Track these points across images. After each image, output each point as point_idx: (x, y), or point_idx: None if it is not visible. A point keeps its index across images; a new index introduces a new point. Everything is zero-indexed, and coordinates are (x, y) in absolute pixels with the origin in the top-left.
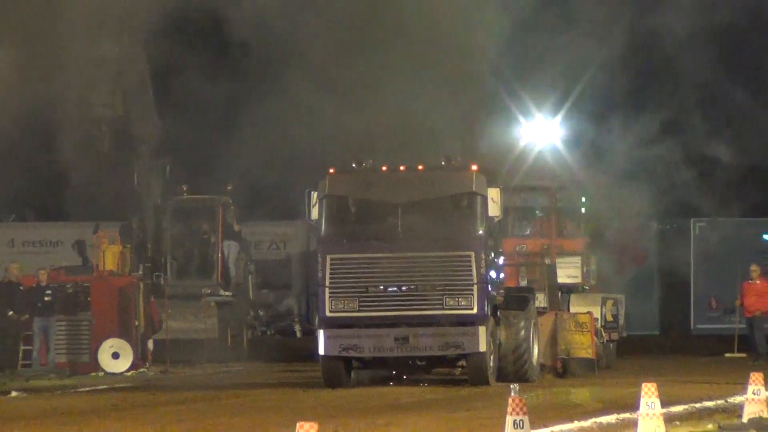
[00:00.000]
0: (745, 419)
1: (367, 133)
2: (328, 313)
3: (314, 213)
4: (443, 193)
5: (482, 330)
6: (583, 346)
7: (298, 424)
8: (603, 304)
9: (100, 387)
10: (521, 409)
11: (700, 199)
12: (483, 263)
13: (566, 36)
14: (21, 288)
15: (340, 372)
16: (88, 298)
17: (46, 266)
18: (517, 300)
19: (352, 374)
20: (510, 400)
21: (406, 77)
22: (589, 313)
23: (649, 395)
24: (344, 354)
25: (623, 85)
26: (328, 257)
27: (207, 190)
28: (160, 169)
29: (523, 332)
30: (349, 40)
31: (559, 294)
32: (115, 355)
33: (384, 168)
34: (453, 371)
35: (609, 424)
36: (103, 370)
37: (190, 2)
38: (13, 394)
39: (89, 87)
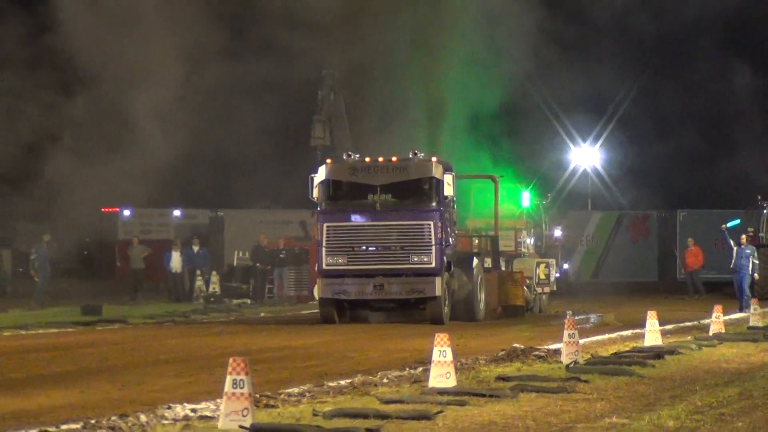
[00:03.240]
0: (710, 333)
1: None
2: (324, 266)
3: (315, 193)
4: (410, 177)
5: (438, 280)
6: (516, 296)
7: (436, 334)
8: (537, 266)
9: (314, 311)
10: (573, 325)
11: (685, 195)
12: (439, 230)
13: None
14: (266, 249)
15: (333, 311)
16: (308, 256)
17: (283, 236)
18: (467, 260)
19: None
20: (566, 320)
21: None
22: (520, 272)
23: (651, 317)
24: (335, 297)
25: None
26: (325, 225)
27: None
28: None
29: (471, 284)
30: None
31: (501, 259)
32: None
33: (367, 159)
34: (419, 312)
35: (626, 336)
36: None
37: None
38: (262, 314)
39: (311, 129)
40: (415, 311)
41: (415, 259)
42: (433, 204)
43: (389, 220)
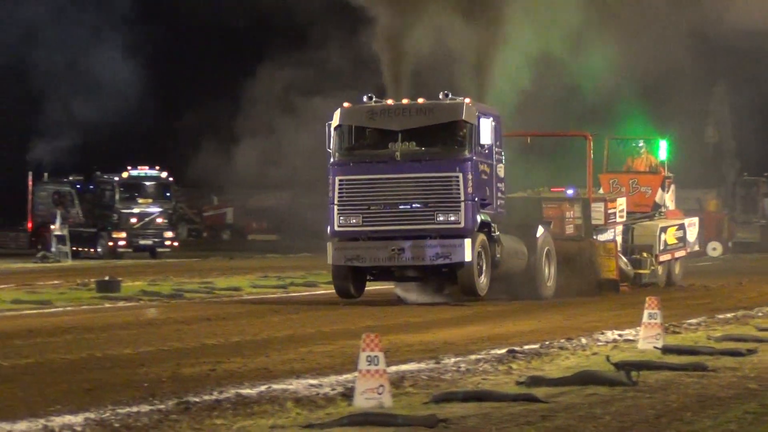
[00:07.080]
0: None
1: None
2: (336, 228)
3: (331, 142)
4: (437, 121)
5: (468, 242)
6: (609, 268)
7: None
8: (662, 231)
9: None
10: None
11: None
12: (470, 183)
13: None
14: None
15: (348, 280)
16: None
17: None
18: (523, 229)
19: None
20: None
21: None
22: (614, 241)
23: None
24: (348, 263)
25: None
26: (337, 179)
27: None
28: None
29: (529, 257)
30: None
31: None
32: None
33: (389, 101)
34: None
35: None
36: None
37: None
38: None
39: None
40: (449, 283)
41: (441, 218)
42: (465, 152)
43: (411, 172)
